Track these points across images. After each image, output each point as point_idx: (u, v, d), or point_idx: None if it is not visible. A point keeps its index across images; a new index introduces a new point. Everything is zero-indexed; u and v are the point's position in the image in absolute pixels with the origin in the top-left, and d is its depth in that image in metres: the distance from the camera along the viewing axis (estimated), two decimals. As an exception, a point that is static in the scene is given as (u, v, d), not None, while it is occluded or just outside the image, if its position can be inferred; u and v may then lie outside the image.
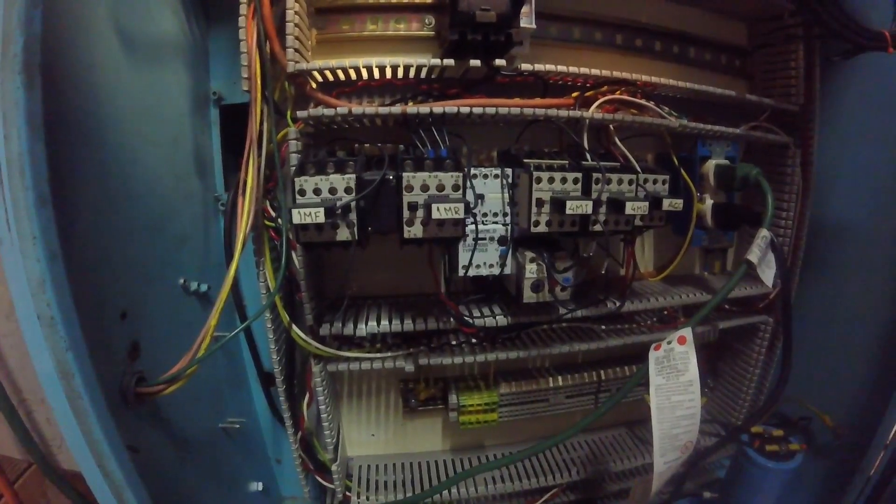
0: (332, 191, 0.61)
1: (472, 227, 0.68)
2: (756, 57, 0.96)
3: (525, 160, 0.68)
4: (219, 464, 0.84)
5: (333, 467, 0.81)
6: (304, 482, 0.84)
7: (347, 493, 0.85)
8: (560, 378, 0.86)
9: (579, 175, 0.66)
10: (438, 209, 0.58)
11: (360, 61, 0.68)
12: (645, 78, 0.76)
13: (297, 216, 0.58)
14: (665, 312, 0.89)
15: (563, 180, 0.66)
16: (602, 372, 0.88)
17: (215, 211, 0.87)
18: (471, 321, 0.72)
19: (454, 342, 0.78)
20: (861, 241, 0.97)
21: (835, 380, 0.99)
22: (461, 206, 0.59)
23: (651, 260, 0.94)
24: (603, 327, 0.83)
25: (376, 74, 0.73)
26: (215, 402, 0.84)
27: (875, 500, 0.87)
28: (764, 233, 0.74)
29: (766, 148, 0.94)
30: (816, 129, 0.94)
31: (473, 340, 0.78)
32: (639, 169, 0.74)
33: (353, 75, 0.74)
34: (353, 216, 0.62)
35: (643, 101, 0.77)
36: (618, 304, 0.78)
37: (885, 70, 0.92)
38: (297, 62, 0.66)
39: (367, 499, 0.84)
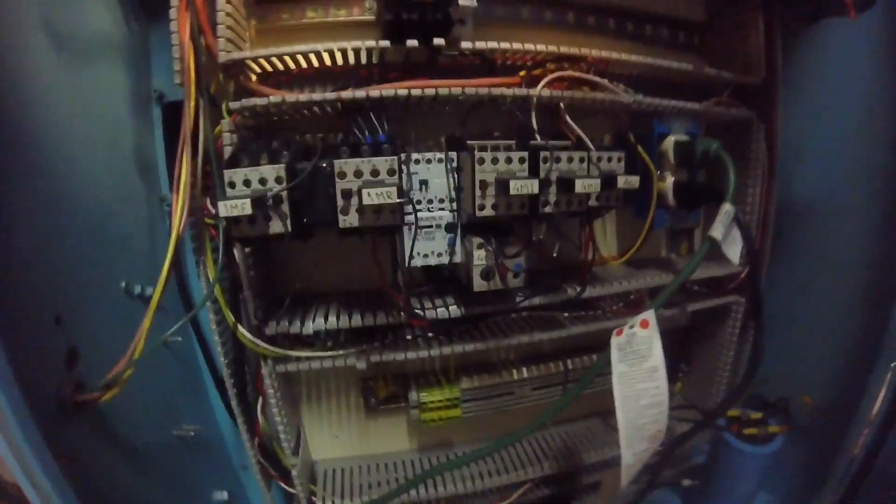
0: (263, 181, 0.59)
1: (420, 213, 0.65)
2: (715, 31, 0.93)
3: (469, 142, 0.65)
4: (176, 473, 0.81)
5: (294, 472, 0.78)
6: (264, 489, 0.81)
7: (313, 498, 0.82)
8: (525, 370, 0.83)
9: (525, 154, 0.63)
10: (370, 194, 0.56)
11: (293, 48, 0.65)
12: (594, 53, 0.72)
13: (224, 209, 0.56)
14: (631, 297, 0.86)
15: (509, 160, 0.63)
16: (569, 361, 0.85)
17: (161, 212, 0.84)
18: (421, 313, 0.69)
19: (409, 337, 0.75)
20: (832, 216, 0.95)
21: (813, 358, 0.97)
22: (394, 189, 0.56)
23: (615, 243, 0.91)
24: (566, 315, 0.81)
25: (314, 61, 0.71)
26: (168, 409, 0.81)
27: (861, 477, 0.84)
28: (727, 207, 0.72)
29: (729, 124, 0.91)
30: (780, 103, 0.91)
31: (430, 334, 0.75)
32: (591, 146, 0.71)
33: (292, 64, 0.72)
34: (285, 207, 0.59)
35: (595, 78, 0.74)
36: (578, 289, 0.76)
37: (850, 38, 0.90)
38: (228, 52, 0.63)
39: (333, 502, 0.81)
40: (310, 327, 0.70)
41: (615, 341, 0.67)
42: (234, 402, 0.75)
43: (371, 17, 0.73)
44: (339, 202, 0.59)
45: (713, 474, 0.92)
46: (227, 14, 0.62)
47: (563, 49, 0.71)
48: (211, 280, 0.67)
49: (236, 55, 0.64)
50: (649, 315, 0.66)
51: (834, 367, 0.93)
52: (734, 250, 0.73)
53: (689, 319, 0.97)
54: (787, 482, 0.96)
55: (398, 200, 0.57)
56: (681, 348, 1.02)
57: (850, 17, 0.77)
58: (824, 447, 0.90)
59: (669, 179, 0.79)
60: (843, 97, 0.93)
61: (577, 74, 0.73)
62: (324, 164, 0.60)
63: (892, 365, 0.80)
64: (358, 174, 0.59)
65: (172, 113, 0.84)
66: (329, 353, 0.73)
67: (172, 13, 0.63)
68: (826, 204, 0.96)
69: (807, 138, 0.97)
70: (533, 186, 0.60)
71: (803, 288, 0.99)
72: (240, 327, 0.70)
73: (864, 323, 0.87)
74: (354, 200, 0.59)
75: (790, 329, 1.00)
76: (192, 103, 0.64)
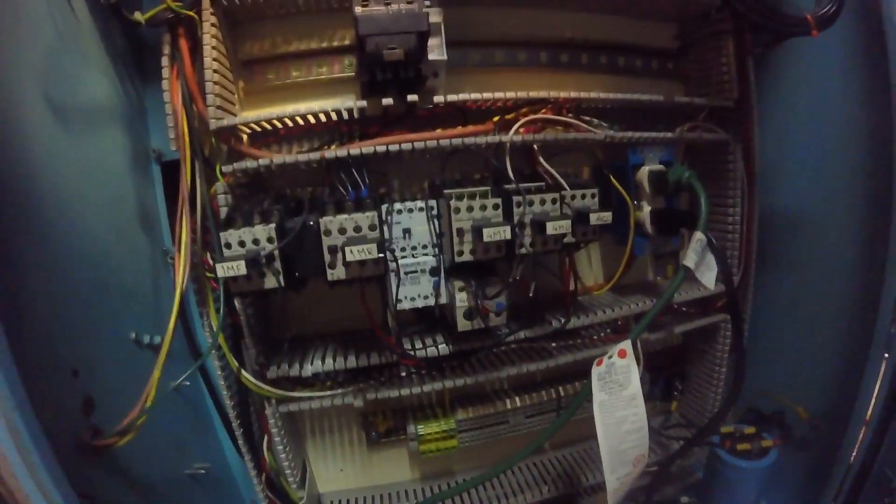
0: (256, 241, 0.63)
1: (404, 260, 0.69)
2: (688, 57, 0.96)
3: (446, 190, 0.69)
4: (189, 510, 0.85)
5: (299, 505, 0.82)
6: (273, 523, 0.85)
7: (320, 530, 0.86)
8: (518, 399, 0.87)
9: (498, 201, 0.67)
10: (352, 251, 0.60)
11: (278, 112, 0.70)
12: (563, 94, 0.76)
13: (221, 270, 0.60)
14: (619, 322, 0.89)
15: (483, 207, 0.67)
16: (561, 388, 0.88)
17: (165, 264, 0.88)
18: (412, 353, 0.73)
19: (403, 374, 0.79)
20: (814, 229, 0.96)
21: (806, 370, 0.98)
22: (374, 246, 0.60)
23: (601, 271, 0.94)
24: (553, 344, 0.84)
25: (300, 121, 0.75)
26: (179, 449, 0.85)
27: (858, 487, 0.86)
28: (698, 236, 0.74)
29: (706, 147, 0.94)
30: (755, 122, 0.93)
31: (422, 371, 0.79)
32: (566, 186, 0.74)
33: (279, 124, 0.76)
34: (277, 264, 0.63)
35: (567, 118, 0.78)
36: (562, 321, 0.79)
37: (817, 55, 0.92)
38: (219, 119, 0.68)
39: (340, 534, 0.85)
40: (308, 370, 0.74)
41: (595, 371, 0.70)
42: (240, 441, 0.79)
43: (351, 73, 0.78)
44: (327, 257, 0.63)
45: (710, 490, 0.94)
46: (216, 82, 0.67)
47: (533, 93, 0.75)
48: (214, 329, 0.72)
49: (226, 122, 0.69)
50: (626, 345, 0.69)
51: (827, 375, 0.94)
52: (709, 276, 0.75)
53: (681, 339, 1.00)
54: (786, 494, 0.97)
55: (378, 255, 0.60)
56: (675, 367, 1.04)
57: (812, 35, 0.80)
58: (821, 456, 0.91)
59: (646, 209, 0.82)
60: (815, 111, 0.94)
61: (549, 116, 0.77)
62: (311, 223, 0.64)
63: (886, 356, 0.81)
64: (342, 231, 0.63)
65: (171, 171, 0.89)
66: (328, 393, 0.77)
67: (165, 83, 0.68)
68: (808, 216, 0.98)
69: (784, 154, 0.99)
70: (506, 233, 0.64)
71: (792, 299, 1.01)
72: (243, 372, 0.74)
73: (854, 330, 0.88)
74: (340, 255, 0.63)
75: (781, 340, 1.02)
76: (188, 166, 0.69)
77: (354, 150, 0.67)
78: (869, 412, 0.83)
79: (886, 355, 0.81)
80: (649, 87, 0.87)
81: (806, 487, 0.95)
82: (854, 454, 0.85)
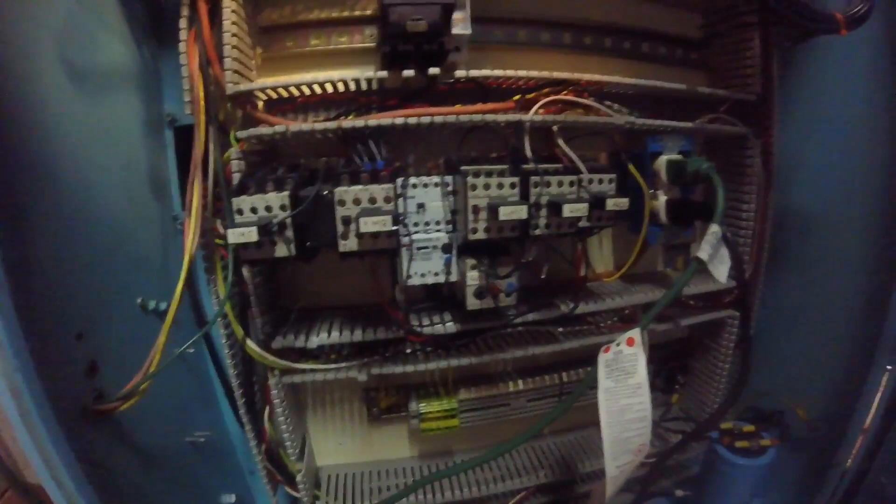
0: (269, 209, 0.62)
1: (417, 235, 0.68)
2: (713, 48, 0.95)
3: (464, 167, 0.68)
4: (188, 477, 0.86)
5: (299, 477, 0.82)
6: (271, 493, 0.85)
7: (317, 502, 0.86)
8: (521, 382, 0.86)
9: (516, 180, 0.66)
10: (366, 223, 0.59)
11: (297, 79, 0.69)
12: (587, 77, 0.75)
13: (233, 236, 0.60)
14: (626, 311, 0.88)
15: (500, 186, 0.66)
16: (564, 374, 0.88)
17: (174, 230, 0.88)
18: (419, 329, 0.72)
19: (409, 350, 0.78)
20: (828, 231, 0.95)
21: (809, 372, 0.98)
22: (389, 218, 0.59)
23: (611, 259, 0.94)
24: (560, 329, 0.83)
25: (317, 90, 0.74)
26: (181, 416, 0.85)
27: (853, 491, 0.86)
28: (714, 228, 0.73)
29: (725, 140, 0.93)
30: (776, 119, 0.92)
31: (428, 348, 0.78)
32: (583, 169, 0.73)
33: (296, 92, 0.75)
34: (289, 232, 0.63)
35: (588, 101, 0.77)
36: (571, 306, 0.78)
37: (843, 54, 0.91)
38: (236, 84, 0.67)
39: (336, 507, 0.85)
40: (314, 342, 0.73)
41: (602, 358, 0.69)
42: (242, 411, 0.79)
43: (372, 44, 0.77)
44: (339, 228, 0.62)
45: (705, 485, 0.94)
46: (234, 46, 0.66)
47: (556, 74, 0.74)
48: (221, 297, 0.71)
49: (243, 87, 0.67)
50: (635, 333, 0.68)
51: (830, 379, 0.94)
52: (722, 269, 0.74)
53: (686, 332, 0.99)
54: (781, 494, 0.97)
55: (393, 228, 0.60)
56: (678, 360, 1.04)
57: (841, 34, 0.78)
58: (817, 459, 0.91)
59: (662, 198, 0.81)
60: (838, 111, 0.93)
61: (570, 98, 0.75)
62: (325, 192, 0.63)
63: (889, 368, 0.81)
64: (356, 202, 0.62)
65: (184, 136, 0.89)
66: (332, 366, 0.76)
67: (182, 46, 0.67)
68: (823, 217, 0.97)
69: (803, 152, 0.98)
70: (522, 212, 0.63)
71: (800, 300, 1.00)
72: (248, 341, 0.74)
73: (860, 335, 0.88)
74: (353, 227, 0.62)
75: (786, 341, 1.02)
76: (203, 131, 0.68)
77: (373, 121, 0.66)
78: (868, 420, 0.83)
79: (889, 367, 0.81)
80: (671, 76, 0.85)
81: (801, 489, 0.95)
82: (851, 459, 0.85)
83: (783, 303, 1.01)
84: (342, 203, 0.62)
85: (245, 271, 0.70)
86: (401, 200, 0.67)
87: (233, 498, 0.93)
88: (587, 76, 0.75)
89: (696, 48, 0.95)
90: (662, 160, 0.81)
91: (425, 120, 0.67)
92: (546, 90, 0.75)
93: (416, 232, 0.69)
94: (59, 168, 0.63)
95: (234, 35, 0.66)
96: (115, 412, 0.66)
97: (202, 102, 0.67)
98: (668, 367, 1.03)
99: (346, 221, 0.62)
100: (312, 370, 0.76)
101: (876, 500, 0.83)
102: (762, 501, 0.95)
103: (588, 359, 0.90)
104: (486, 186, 0.65)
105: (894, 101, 0.84)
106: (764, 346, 1.00)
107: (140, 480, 0.73)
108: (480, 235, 0.66)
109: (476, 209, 0.65)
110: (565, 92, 0.76)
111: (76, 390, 0.62)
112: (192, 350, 0.80)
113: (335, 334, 0.74)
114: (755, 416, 0.99)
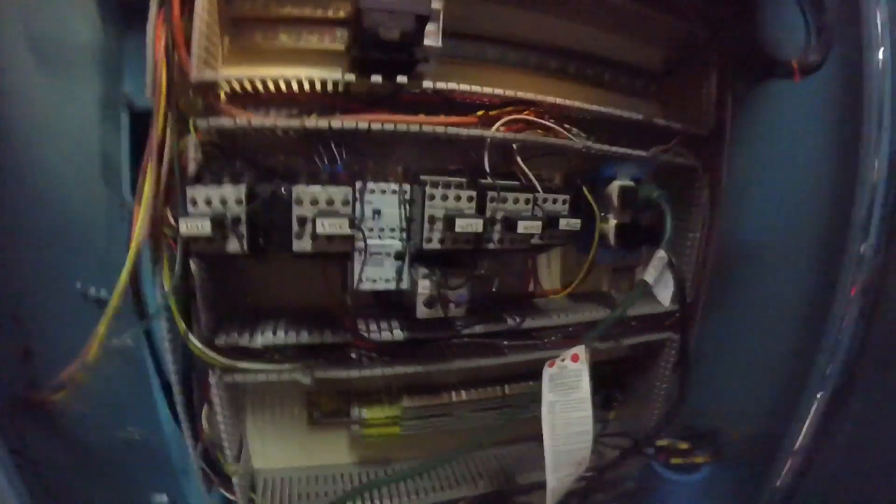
0: (223, 202, 0.61)
1: (371, 241, 0.69)
2: (670, 81, 0.99)
3: (422, 177, 0.69)
4: (119, 474, 0.82)
5: (234, 479, 0.80)
6: (205, 494, 0.83)
7: (252, 506, 0.84)
8: (464, 392, 0.87)
9: (473, 193, 0.68)
10: (323, 224, 0.59)
11: (264, 73, 0.68)
12: (550, 99, 0.77)
13: (184, 227, 0.58)
14: (570, 329, 0.90)
15: (458, 198, 0.67)
16: (507, 387, 0.89)
17: (120, 216, 0.85)
18: (366, 335, 0.72)
19: (354, 355, 0.78)
20: (768, 264, 1.00)
21: (742, 395, 1.02)
22: (346, 221, 0.59)
23: (558, 277, 0.96)
24: (506, 343, 0.84)
25: (283, 87, 0.74)
26: (114, 411, 0.82)
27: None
28: (661, 254, 0.77)
29: (675, 170, 0.97)
30: (725, 154, 0.97)
31: (374, 354, 0.78)
32: (539, 188, 0.76)
33: (261, 87, 0.74)
34: (243, 228, 0.62)
35: (548, 123, 0.79)
36: (518, 320, 0.80)
37: (794, 97, 0.96)
38: (201, 71, 0.66)
39: (272, 512, 0.83)
40: (258, 341, 0.72)
41: (547, 372, 0.71)
42: (180, 408, 0.76)
43: (340, 47, 0.77)
44: (295, 228, 0.62)
45: (642, 500, 0.97)
46: (203, 33, 0.65)
47: (520, 94, 0.75)
48: (166, 290, 0.70)
49: (209, 75, 0.66)
50: (580, 350, 0.70)
51: (762, 402, 0.98)
52: (665, 293, 0.78)
53: (627, 351, 1.02)
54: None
55: (349, 232, 0.60)
56: (616, 378, 1.07)
57: (794, 80, 0.83)
58: (751, 477, 0.95)
59: (612, 221, 0.84)
60: (786, 150, 0.98)
61: (531, 118, 0.77)
62: (283, 189, 0.62)
63: (819, 395, 0.85)
64: (314, 202, 0.62)
65: (140, 121, 0.86)
66: (275, 367, 0.75)
67: (149, 27, 0.66)
68: (763, 250, 1.02)
69: (751, 186, 1.02)
70: (478, 226, 0.64)
71: (737, 327, 1.05)
72: (191, 336, 0.71)
73: (794, 361, 0.92)
74: (308, 227, 0.62)
75: (722, 365, 1.06)
76: (161, 116, 0.66)
77: (337, 122, 0.66)
78: (797, 442, 0.87)
79: (819, 395, 0.85)
80: (629, 105, 0.88)
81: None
82: (780, 479, 0.90)
83: (722, 327, 1.06)
84: (299, 202, 0.62)
85: (193, 264, 0.68)
86: (357, 205, 0.67)
87: (165, 498, 0.89)
88: (550, 99, 0.77)
89: (655, 80, 0.99)
90: (615, 185, 0.85)
91: (389, 127, 0.67)
92: (509, 108, 0.77)
93: (370, 237, 0.69)
94: (5, 137, 0.60)
95: (204, 21, 0.65)
96: (46, 402, 0.63)
97: (164, 86, 0.66)
98: (607, 385, 1.06)
99: (302, 221, 0.62)
100: (255, 370, 0.75)
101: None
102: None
103: (531, 373, 0.92)
104: (444, 198, 0.66)
105: (838, 147, 0.89)
106: (700, 368, 1.04)
107: (69, 476, 0.69)
108: (435, 245, 0.67)
109: (432, 219, 0.66)
110: (527, 111, 0.78)
111: (8, 376, 0.59)
112: (130, 342, 0.78)
113: (281, 334, 0.73)
114: (689, 434, 1.03)
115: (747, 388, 1.02)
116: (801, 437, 0.87)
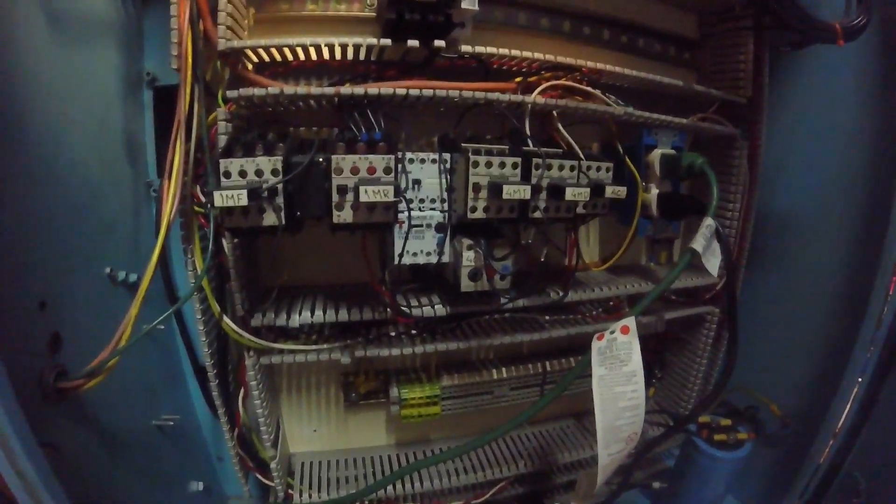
0: (259, 173, 0.58)
1: (408, 213, 0.66)
2: (705, 49, 0.96)
3: (464, 144, 0.66)
4: (154, 463, 0.80)
5: (272, 465, 0.78)
6: (243, 481, 0.81)
7: (290, 491, 0.82)
8: (504, 370, 0.85)
9: (518, 160, 0.65)
10: (367, 192, 0.56)
11: (293, 40, 0.65)
12: (590, 64, 0.74)
13: (219, 199, 0.55)
14: (610, 303, 0.88)
15: (502, 165, 0.64)
16: (547, 363, 0.87)
17: (147, 197, 0.83)
18: (407, 311, 0.70)
19: (393, 333, 0.76)
20: (807, 233, 0.98)
21: (783, 369, 1.00)
22: (391, 188, 0.56)
23: (597, 250, 0.94)
24: (546, 318, 0.82)
25: (313, 55, 0.71)
26: (148, 397, 0.80)
27: (825, 487, 0.87)
28: (709, 221, 0.74)
29: (713, 139, 0.94)
30: (764, 122, 0.94)
31: (413, 331, 0.76)
32: (581, 156, 0.73)
33: (290, 55, 0.71)
34: (279, 200, 0.59)
35: (588, 88, 0.76)
36: (561, 293, 0.77)
37: (834, 63, 0.93)
38: (228, 40, 0.63)
39: (310, 496, 0.81)
40: (296, 320, 0.70)
41: (596, 345, 0.68)
42: (215, 393, 0.74)
43: (371, 14, 0.74)
44: (335, 198, 0.59)
45: (682, 477, 0.95)
46: (228, 1, 0.62)
47: (560, 58, 0.72)
48: (199, 270, 0.67)
49: (236, 44, 0.63)
50: (630, 321, 0.67)
51: (804, 377, 0.96)
52: (713, 263, 0.75)
53: (665, 327, 1.00)
54: (754, 487, 0.99)
55: (394, 199, 0.57)
56: (655, 354, 1.05)
57: (837, 44, 0.80)
58: (791, 455, 0.93)
59: (654, 191, 0.82)
60: (824, 118, 0.96)
61: (572, 84, 0.74)
62: (320, 159, 0.60)
63: (860, 380, 0.83)
64: (354, 171, 0.59)
65: (164, 97, 0.83)
66: (314, 347, 0.73)
67: (172, -2, 0.63)
68: (803, 218, 0.99)
69: (788, 155, 1.00)
70: (525, 192, 0.61)
71: (777, 298, 1.03)
72: (225, 318, 0.69)
73: (836, 335, 0.90)
74: (350, 196, 0.59)
75: (762, 339, 1.03)
76: (188, 90, 0.64)
77: (373, 89, 0.63)
78: (842, 419, 0.85)
79: (862, 372, 0.83)
80: (663, 73, 0.85)
81: (773, 483, 0.97)
82: (824, 456, 0.87)
83: (760, 300, 1.03)
84: (339, 171, 0.59)
85: (226, 242, 0.66)
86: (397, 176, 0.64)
87: (200, 486, 0.88)
88: (591, 64, 0.74)
89: (689, 48, 0.96)
90: (657, 153, 0.82)
91: (427, 93, 0.65)
92: (547, 74, 0.74)
93: (411, 209, 0.66)
94: (28, 119, 0.58)
95: (230, -11, 0.62)
96: (79, 391, 0.60)
97: (189, 58, 0.63)
98: (645, 362, 1.03)
99: (343, 191, 0.59)
100: (293, 350, 0.73)
101: (849, 496, 0.84)
102: (736, 500, 0.97)
103: (571, 348, 0.90)
104: (488, 165, 0.63)
105: (877, 114, 0.86)
106: (739, 342, 1.02)
107: (104, 467, 0.67)
108: (479, 215, 0.64)
109: (477, 187, 0.63)
110: (565, 78, 0.75)
111: (37, 365, 0.57)
112: (161, 327, 0.75)
113: (318, 313, 0.70)
114: (728, 411, 1.00)
115: (788, 360, 1.00)
116: (845, 412, 0.85)
